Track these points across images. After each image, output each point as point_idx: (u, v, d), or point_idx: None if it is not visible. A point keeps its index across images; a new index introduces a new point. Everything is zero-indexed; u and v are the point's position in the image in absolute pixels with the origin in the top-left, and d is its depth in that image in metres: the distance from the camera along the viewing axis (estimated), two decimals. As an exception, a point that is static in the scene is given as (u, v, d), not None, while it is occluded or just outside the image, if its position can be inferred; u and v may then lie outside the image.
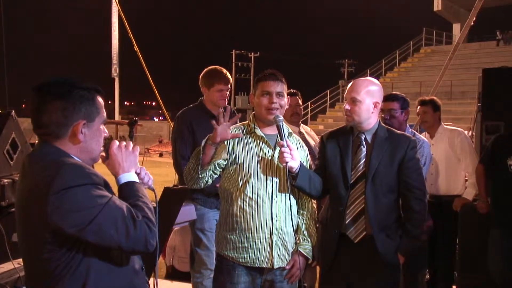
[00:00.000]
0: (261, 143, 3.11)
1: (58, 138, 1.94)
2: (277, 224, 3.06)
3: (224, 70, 4.52)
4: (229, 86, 4.49)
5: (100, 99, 2.03)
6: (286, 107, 3.20)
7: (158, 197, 2.16)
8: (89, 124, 1.97)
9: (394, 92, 4.50)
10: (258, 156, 3.08)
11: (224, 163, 3.08)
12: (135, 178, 2.06)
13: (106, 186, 1.93)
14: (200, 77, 4.51)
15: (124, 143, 2.10)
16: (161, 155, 31.26)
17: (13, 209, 4.71)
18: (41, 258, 1.88)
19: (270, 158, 3.09)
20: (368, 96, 3.16)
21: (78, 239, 1.83)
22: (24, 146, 5.07)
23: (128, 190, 2.01)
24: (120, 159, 2.06)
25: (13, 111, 5.07)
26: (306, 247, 3.17)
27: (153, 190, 2.22)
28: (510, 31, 30.20)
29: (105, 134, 2.09)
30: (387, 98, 4.34)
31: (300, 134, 4.55)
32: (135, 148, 2.10)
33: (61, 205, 1.77)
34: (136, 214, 1.88)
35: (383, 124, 3.32)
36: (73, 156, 1.95)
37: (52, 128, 1.93)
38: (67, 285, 1.88)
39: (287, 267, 3.12)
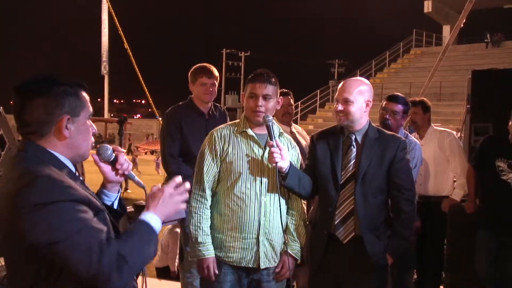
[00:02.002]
0: (251, 143, 3.11)
1: (43, 136, 1.88)
2: (265, 224, 3.05)
3: (209, 65, 4.52)
4: (215, 81, 4.48)
5: (84, 94, 1.98)
6: (278, 107, 3.20)
7: (137, 193, 2.13)
8: (74, 119, 1.91)
9: (400, 95, 4.48)
10: (248, 155, 3.07)
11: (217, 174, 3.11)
12: (157, 225, 1.93)
13: (88, 201, 1.83)
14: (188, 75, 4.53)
15: (182, 188, 2.02)
16: (152, 152, 31.14)
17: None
18: (16, 268, 1.84)
19: (260, 158, 3.08)
20: (360, 96, 3.16)
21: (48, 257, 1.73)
22: (12, 143, 5.04)
23: (138, 227, 1.90)
24: (165, 201, 1.98)
25: (1, 107, 5.03)
26: (295, 248, 3.17)
27: (133, 179, 2.18)
28: (499, 33, 30.38)
29: (94, 130, 2.04)
30: (393, 99, 4.35)
31: (292, 134, 4.56)
32: (181, 199, 2.02)
33: (32, 221, 1.69)
34: (111, 247, 1.74)
35: (374, 125, 3.32)
36: (57, 155, 1.90)
37: (35, 127, 1.87)
38: None
39: (277, 270, 3.13)
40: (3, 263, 4.30)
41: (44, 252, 1.71)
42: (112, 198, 2.18)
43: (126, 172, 2.14)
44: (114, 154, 2.12)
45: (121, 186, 2.46)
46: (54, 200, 1.72)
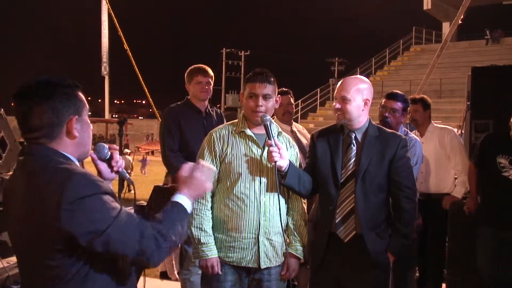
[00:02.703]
0: (250, 143, 3.11)
1: (53, 138, 1.93)
2: (264, 224, 3.06)
3: (204, 66, 4.67)
4: (210, 80, 4.63)
5: (81, 94, 2.03)
6: (276, 106, 3.20)
7: (144, 192, 2.20)
8: (79, 118, 1.98)
9: (399, 92, 4.47)
10: (246, 155, 3.08)
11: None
12: (188, 206, 2.12)
13: (113, 194, 1.95)
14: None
15: (205, 169, 2.21)
16: (152, 153, 31.13)
17: (1, 208, 4.70)
18: (48, 265, 1.88)
19: (259, 157, 3.08)
20: (358, 94, 3.16)
21: (87, 248, 1.84)
22: (13, 145, 5.05)
23: (171, 208, 2.07)
24: (195, 184, 2.16)
25: (2, 109, 5.04)
26: (297, 248, 3.18)
27: (124, 177, 2.31)
28: (499, 30, 30.35)
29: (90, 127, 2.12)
30: (393, 96, 4.35)
31: (292, 133, 4.57)
32: (208, 184, 2.22)
33: (76, 215, 1.78)
34: (148, 228, 1.91)
35: (374, 123, 3.32)
36: (68, 155, 1.95)
37: (45, 130, 1.91)
38: None
39: (282, 273, 3.14)
40: (4, 265, 4.25)
41: (87, 242, 1.81)
42: None
43: (120, 169, 2.24)
44: (109, 152, 2.22)
45: (123, 186, 2.54)
46: (93, 193, 1.82)
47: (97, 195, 1.83)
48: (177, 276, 6.04)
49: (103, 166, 2.21)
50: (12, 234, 2.03)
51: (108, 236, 1.81)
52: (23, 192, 1.89)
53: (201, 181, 2.18)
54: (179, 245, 4.56)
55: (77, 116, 1.96)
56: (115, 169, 2.22)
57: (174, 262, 6.01)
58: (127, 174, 2.32)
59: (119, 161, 2.23)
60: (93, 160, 2.19)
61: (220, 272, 3.06)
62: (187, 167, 2.21)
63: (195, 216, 3.07)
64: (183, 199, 2.11)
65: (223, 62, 44.26)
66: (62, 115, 1.92)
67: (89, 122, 2.07)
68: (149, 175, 19.20)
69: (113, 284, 1.99)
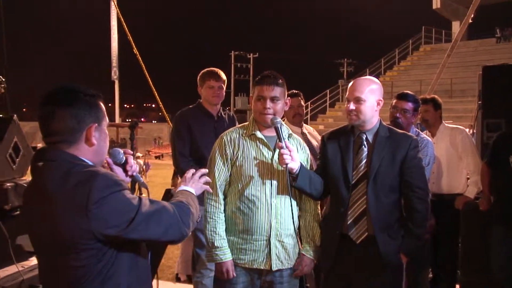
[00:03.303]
0: (261, 145, 3.12)
1: (72, 144, 2.00)
2: (276, 226, 3.06)
3: (216, 69, 4.65)
4: (222, 84, 4.62)
5: (102, 104, 2.11)
6: (286, 108, 3.20)
7: (154, 195, 2.25)
8: (98, 127, 2.05)
9: (410, 92, 4.46)
10: (257, 158, 3.09)
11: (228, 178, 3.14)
12: (193, 191, 2.35)
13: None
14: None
15: (197, 175, 2.44)
16: (159, 157, 31.21)
17: (17, 213, 4.74)
18: (73, 265, 1.95)
19: (269, 160, 3.09)
20: (371, 95, 3.16)
21: (114, 241, 1.96)
22: (26, 150, 5.08)
23: (180, 194, 2.29)
24: (189, 181, 2.41)
25: (15, 115, 5.08)
26: (309, 249, 3.18)
27: (139, 181, 2.37)
28: (510, 28, 30.15)
29: None
30: (403, 97, 4.34)
31: (303, 135, 4.57)
32: (201, 179, 2.44)
33: (102, 212, 1.89)
34: (169, 207, 2.08)
35: (384, 124, 3.31)
36: (87, 161, 2.02)
37: (66, 135, 1.99)
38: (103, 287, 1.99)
39: (296, 272, 3.15)
40: (19, 269, 4.27)
41: (119, 233, 1.92)
42: None
43: (134, 174, 2.32)
44: (124, 157, 2.29)
45: (134, 189, 2.60)
46: (116, 190, 1.93)
47: (120, 191, 1.94)
48: (185, 277, 6.08)
49: (119, 171, 2.28)
50: (34, 237, 2.08)
51: (137, 222, 1.94)
52: (46, 196, 1.94)
53: (193, 179, 2.41)
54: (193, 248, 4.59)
55: (96, 124, 2.03)
56: (129, 173, 2.30)
57: (185, 264, 6.03)
58: (141, 178, 2.38)
59: (134, 166, 2.31)
60: (108, 164, 2.25)
61: (234, 274, 3.07)
62: (190, 172, 2.44)
63: (209, 219, 3.08)
64: (185, 187, 2.35)
65: (232, 65, 44.33)
66: (82, 121, 2.00)
67: (107, 132, 2.14)
68: (158, 178, 19.24)
69: (134, 281, 2.08)
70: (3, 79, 7.87)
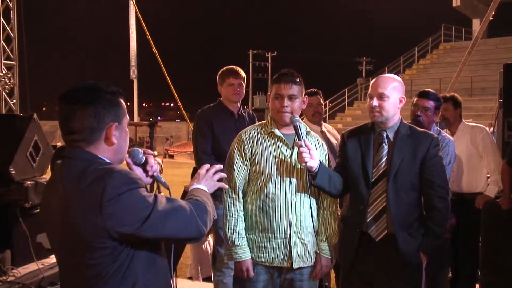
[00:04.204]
0: (279, 143, 3.11)
1: (92, 143, 1.98)
2: (296, 224, 3.06)
3: (235, 67, 4.65)
4: (242, 81, 4.61)
5: (123, 101, 2.09)
6: (303, 106, 3.20)
7: (173, 195, 2.23)
8: (118, 126, 2.03)
9: (431, 90, 4.43)
10: (276, 156, 3.08)
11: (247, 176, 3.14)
12: (206, 190, 2.29)
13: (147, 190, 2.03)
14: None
15: (211, 171, 2.36)
16: (170, 156, 31.18)
17: (37, 211, 4.80)
18: (88, 264, 1.94)
19: (288, 158, 3.09)
20: (395, 91, 3.15)
21: (130, 240, 1.93)
22: (46, 149, 5.14)
23: (193, 192, 2.22)
24: (203, 179, 2.33)
25: (35, 114, 5.14)
26: (327, 249, 3.17)
27: (160, 181, 2.34)
28: (531, 25, 29.75)
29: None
30: (425, 95, 4.32)
31: (322, 133, 4.56)
32: (215, 176, 2.37)
33: (116, 210, 1.86)
34: (186, 205, 2.03)
35: (405, 122, 3.29)
36: (106, 159, 2.00)
37: (85, 134, 1.97)
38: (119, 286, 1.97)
39: (313, 275, 3.15)
40: (39, 266, 4.34)
41: (134, 231, 1.89)
42: None
43: (154, 174, 2.28)
44: (144, 157, 2.25)
45: (153, 189, 2.57)
46: (131, 188, 1.90)
47: (135, 189, 1.91)
48: (201, 281, 6.09)
49: (139, 171, 2.24)
50: (50, 235, 2.08)
51: (153, 220, 1.90)
52: (63, 194, 1.94)
53: (207, 175, 2.34)
54: (214, 246, 4.60)
55: (116, 123, 2.01)
56: (150, 173, 2.27)
57: (199, 267, 6.04)
58: (162, 178, 2.33)
59: (154, 166, 2.27)
60: (128, 164, 2.23)
61: (252, 273, 3.07)
62: (204, 168, 2.36)
63: (228, 217, 3.08)
64: (197, 185, 2.28)
65: (250, 64, 44.35)
66: (102, 120, 1.98)
67: (127, 130, 2.12)
68: (177, 177, 19.34)
69: (151, 281, 2.05)
70: (8, 76, 7.98)
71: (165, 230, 1.95)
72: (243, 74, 4.64)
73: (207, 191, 2.28)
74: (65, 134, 2.01)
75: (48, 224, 2.06)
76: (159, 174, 2.30)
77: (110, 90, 2.03)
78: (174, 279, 2.39)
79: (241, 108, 4.70)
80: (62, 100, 1.98)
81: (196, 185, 2.28)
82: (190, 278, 6.24)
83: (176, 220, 1.98)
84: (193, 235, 2.05)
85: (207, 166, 2.37)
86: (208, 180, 2.33)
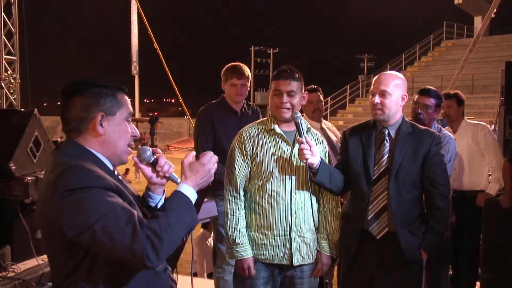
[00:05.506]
0: (279, 141, 3.10)
1: (80, 133, 1.99)
2: (296, 221, 3.05)
3: (240, 65, 4.56)
4: (246, 81, 4.52)
5: (123, 96, 2.07)
6: (303, 102, 3.18)
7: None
8: (109, 117, 2.00)
9: (432, 88, 4.42)
10: (277, 154, 3.07)
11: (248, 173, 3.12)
12: (191, 195, 2.04)
13: (118, 190, 1.91)
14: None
15: (214, 159, 2.16)
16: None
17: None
18: (54, 260, 1.94)
19: (289, 155, 3.08)
20: (397, 89, 3.14)
21: (76, 242, 1.81)
22: (46, 144, 5.13)
23: (172, 199, 2.00)
24: (199, 173, 2.10)
25: (35, 109, 5.13)
26: (327, 247, 3.17)
27: (176, 182, 2.18)
28: (533, 23, 29.68)
29: (135, 133, 2.11)
30: (426, 92, 4.30)
31: (322, 130, 4.55)
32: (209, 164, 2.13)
33: (64, 207, 1.78)
34: (144, 226, 1.80)
35: (407, 119, 3.28)
36: (94, 152, 1.98)
37: (74, 124, 1.99)
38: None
39: (314, 273, 3.15)
40: (39, 262, 4.33)
41: (78, 238, 1.78)
42: (156, 199, 2.23)
43: (167, 175, 2.19)
44: (154, 157, 2.17)
45: None
46: (85, 186, 1.80)
47: (91, 188, 1.80)
48: (206, 276, 6.10)
49: (148, 171, 2.18)
50: (40, 230, 2.07)
51: (94, 232, 1.75)
52: (41, 186, 1.97)
53: (208, 168, 2.12)
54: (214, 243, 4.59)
55: (103, 113, 1.98)
56: (160, 174, 2.17)
57: (205, 263, 6.04)
58: (178, 179, 2.16)
59: (165, 166, 2.16)
60: (135, 164, 2.18)
61: (254, 271, 3.06)
62: (190, 155, 2.15)
63: (229, 216, 3.08)
64: (186, 188, 2.03)
65: (252, 60, 44.32)
66: (88, 110, 1.97)
67: (129, 127, 2.07)
68: (177, 173, 19.39)
69: (127, 284, 1.95)
70: (13, 76, 7.98)
71: (103, 247, 1.77)
72: (247, 72, 4.55)
73: (190, 196, 2.03)
74: (62, 125, 2.03)
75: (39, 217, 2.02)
76: (173, 174, 2.19)
77: (104, 83, 2.03)
78: (175, 275, 2.35)
79: (245, 105, 4.63)
80: (60, 94, 2.03)
81: (182, 188, 2.04)
82: (195, 274, 6.25)
83: (119, 242, 1.75)
84: (138, 264, 1.80)
85: (192, 153, 2.18)
86: (206, 176, 2.11)
